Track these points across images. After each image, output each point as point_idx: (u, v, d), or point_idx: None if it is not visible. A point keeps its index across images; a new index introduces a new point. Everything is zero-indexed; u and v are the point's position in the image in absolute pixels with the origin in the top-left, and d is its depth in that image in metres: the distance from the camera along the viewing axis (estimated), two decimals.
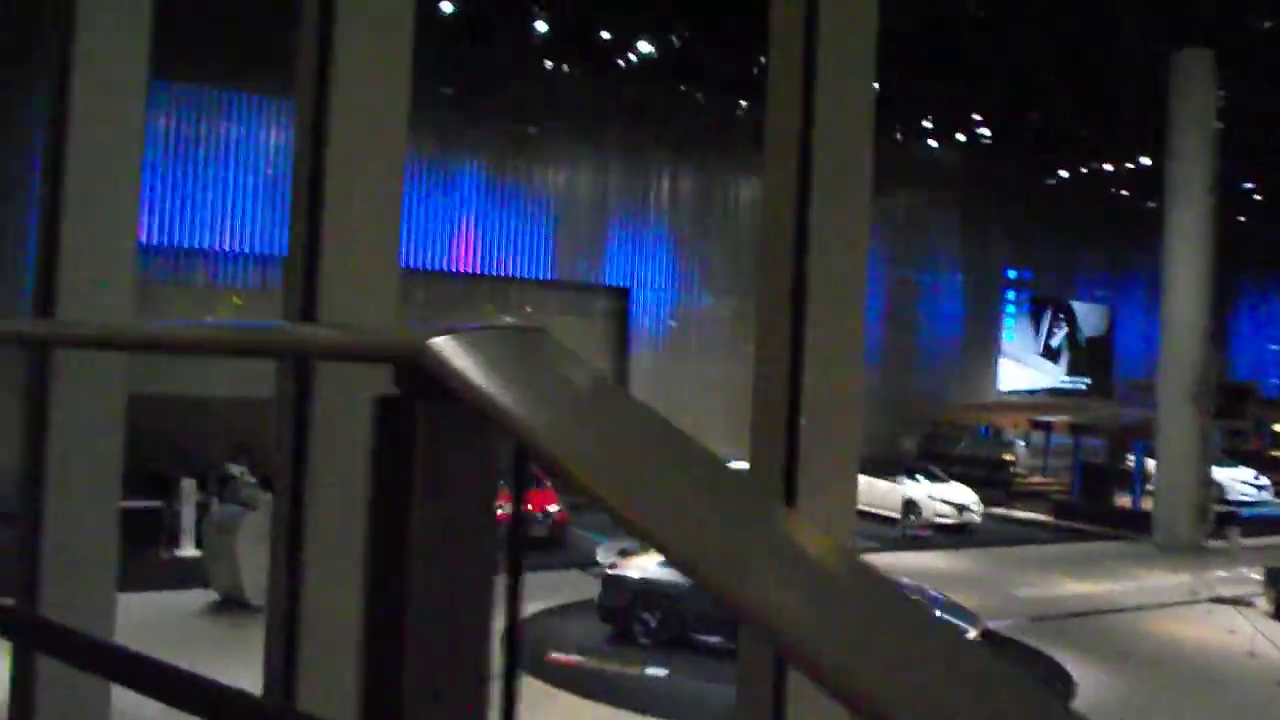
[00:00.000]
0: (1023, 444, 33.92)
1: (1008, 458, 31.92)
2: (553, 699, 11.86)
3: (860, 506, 25.98)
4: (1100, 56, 26.83)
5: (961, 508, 25.46)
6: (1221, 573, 20.42)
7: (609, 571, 14.59)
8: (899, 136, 32.43)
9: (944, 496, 25.56)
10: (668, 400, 29.20)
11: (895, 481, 25.69)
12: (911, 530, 24.24)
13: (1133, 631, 16.77)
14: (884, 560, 18.51)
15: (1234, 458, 33.97)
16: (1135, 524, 25.90)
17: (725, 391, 30.63)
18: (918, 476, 26.24)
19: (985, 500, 27.24)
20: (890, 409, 33.50)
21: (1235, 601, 18.49)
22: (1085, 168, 35.02)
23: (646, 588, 13.88)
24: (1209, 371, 25.18)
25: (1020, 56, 27.23)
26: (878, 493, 25.79)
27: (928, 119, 31.99)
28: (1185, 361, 25.16)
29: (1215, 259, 25.35)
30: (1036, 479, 32.20)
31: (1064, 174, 35.75)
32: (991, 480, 29.53)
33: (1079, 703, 12.87)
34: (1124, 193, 36.27)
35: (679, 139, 29.52)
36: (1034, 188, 35.82)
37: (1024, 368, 38.89)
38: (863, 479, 26.92)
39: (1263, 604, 17.96)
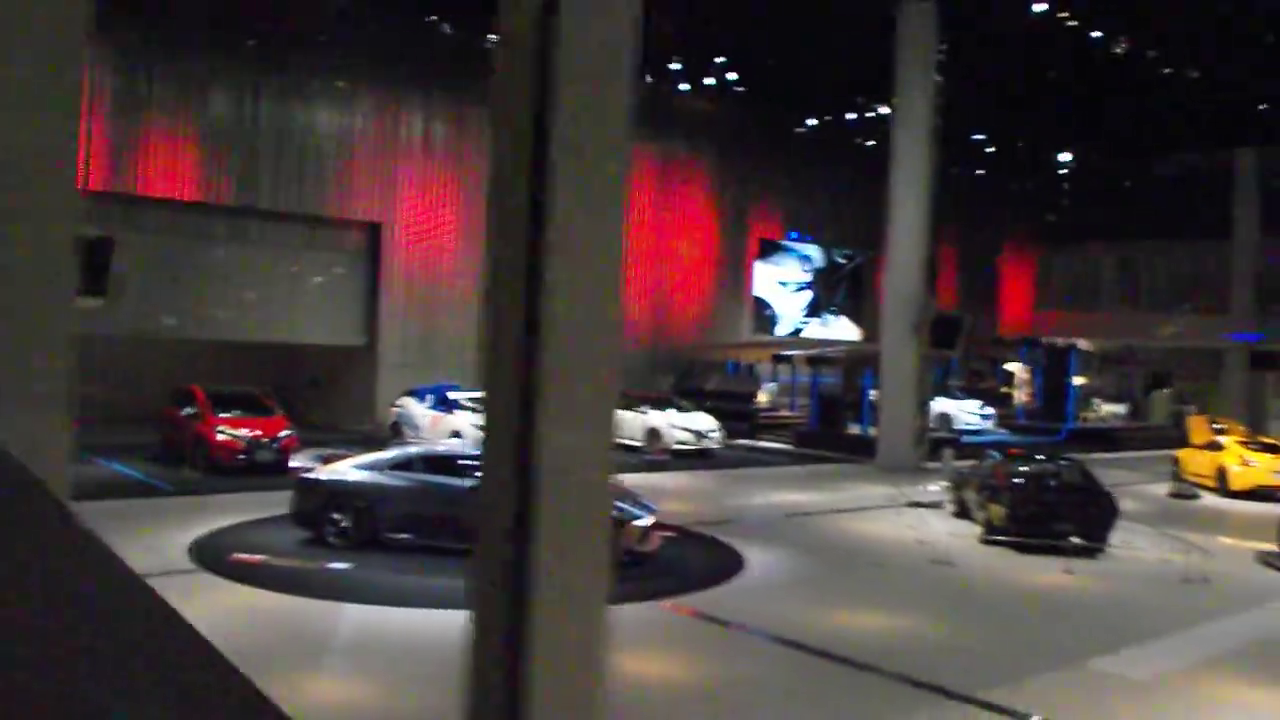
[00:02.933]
0: (772, 383, 35.47)
1: (755, 393, 33.33)
2: (226, 589, 11.97)
3: None
4: (842, 4, 28.09)
5: (700, 434, 26.60)
6: (929, 486, 21.97)
7: (302, 476, 14.70)
8: (652, 81, 33.19)
9: (684, 424, 26.62)
10: (421, 335, 29.30)
11: (640, 412, 26.58)
12: (650, 454, 25.16)
13: (824, 527, 18.03)
14: (624, 478, 19.17)
15: (969, 394, 36.55)
16: (864, 449, 27.55)
17: (473, 324, 30.94)
18: (662, 407, 27.21)
19: (732, 432, 28.52)
20: (647, 350, 34.53)
21: (927, 505, 20.07)
22: (832, 116, 36.57)
23: (338, 490, 14.08)
24: (926, 305, 26.92)
25: (764, 4, 28.28)
26: (624, 422, 26.71)
27: (681, 67, 32.77)
28: (906, 296, 26.83)
29: (932, 201, 27.03)
30: (784, 413, 33.81)
31: (813, 122, 37.24)
32: (739, 414, 30.81)
33: (745, 575, 13.88)
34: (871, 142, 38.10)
35: (432, 75, 29.38)
36: (785, 136, 37.25)
37: (793, 311, 40.56)
38: None
39: (949, 506, 19.52)
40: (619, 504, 14.01)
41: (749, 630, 11.44)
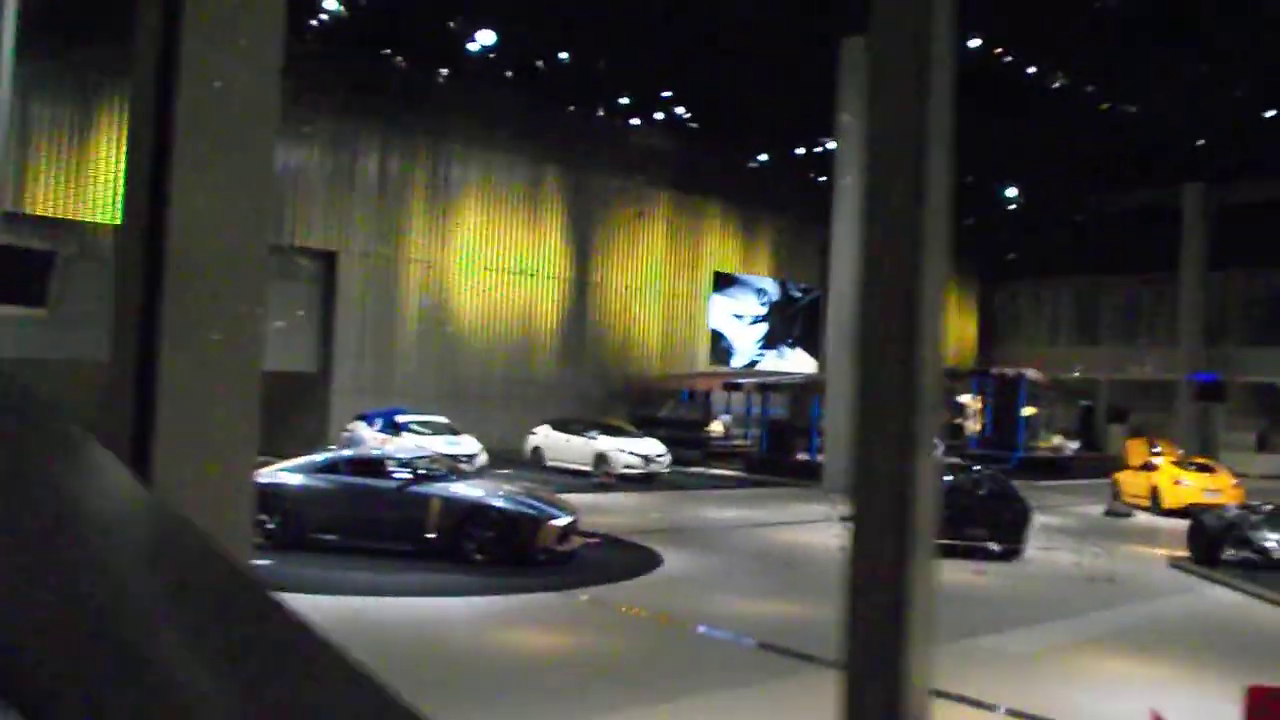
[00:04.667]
0: (727, 414, 36.04)
1: (708, 421, 33.89)
2: None
3: (559, 462, 27.09)
4: (785, 41, 28.98)
5: (648, 459, 27.05)
6: None
7: None
8: (606, 117, 34.06)
9: (632, 449, 27.07)
10: (376, 362, 29.75)
11: (589, 437, 27.06)
12: (598, 478, 25.59)
13: (749, 537, 18.51)
14: (573, 499, 19.67)
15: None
16: (811, 474, 28.02)
17: (428, 355, 31.45)
18: (613, 433, 27.70)
19: (685, 459, 29.02)
20: (603, 379, 35.09)
21: None
22: (784, 150, 37.40)
23: (265, 492, 14.45)
24: None
25: (715, 41, 29.13)
26: (574, 448, 27.29)
27: (633, 102, 33.59)
28: (848, 324, 27.42)
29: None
30: (737, 441, 34.33)
31: (765, 157, 38.06)
32: (692, 441, 31.34)
33: (659, 572, 14.36)
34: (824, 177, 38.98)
35: (386, 107, 30.08)
36: (739, 171, 38.05)
37: (748, 344, 41.21)
38: (561, 436, 28.07)
39: None
40: (537, 504, 14.52)
41: (651, 615, 11.87)
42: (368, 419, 25.37)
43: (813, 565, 15.47)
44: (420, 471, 14.86)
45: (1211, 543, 16.59)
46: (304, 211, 28.89)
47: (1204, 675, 9.93)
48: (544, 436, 28.07)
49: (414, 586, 12.57)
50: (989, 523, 16.69)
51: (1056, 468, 35.20)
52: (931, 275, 3.13)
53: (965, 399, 40.13)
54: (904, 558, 3.04)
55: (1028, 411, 37.30)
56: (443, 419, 26.05)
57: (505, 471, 23.36)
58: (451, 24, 28.01)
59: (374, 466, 14.89)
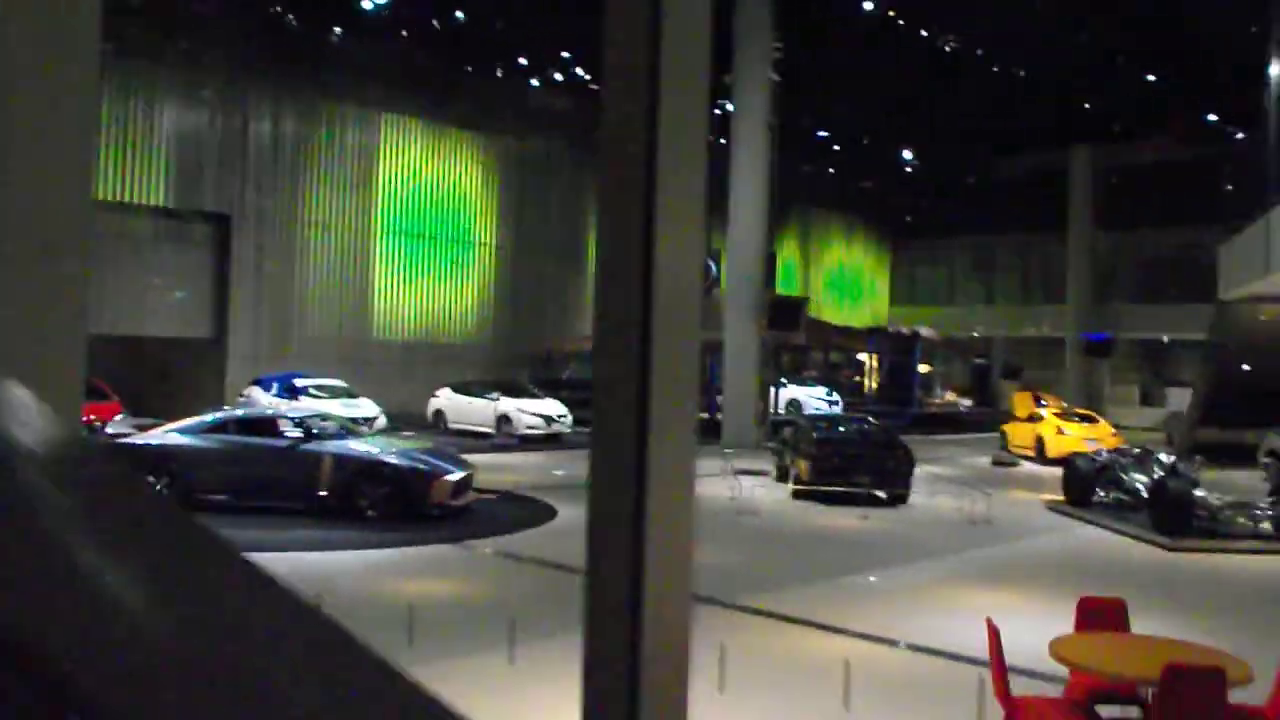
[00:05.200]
0: None
1: None
2: None
3: (461, 424, 27.07)
4: None
5: (549, 419, 27.25)
6: (763, 463, 22.94)
7: (119, 441, 14.93)
8: (507, 77, 33.94)
9: (534, 410, 27.24)
10: (274, 327, 29.41)
11: (490, 399, 27.16)
12: (499, 439, 25.74)
13: None
14: (475, 459, 19.76)
15: (820, 381, 37.96)
16: (711, 431, 28.48)
17: (329, 320, 31.19)
18: (514, 394, 27.82)
19: (588, 420, 29.19)
20: (505, 342, 35.15)
21: (753, 473, 21.00)
22: None
23: (152, 454, 14.35)
24: (765, 288, 28.05)
25: None
26: (475, 410, 27.38)
27: (529, 63, 33.51)
28: (746, 280, 27.91)
29: (772, 191, 28.21)
30: None
31: None
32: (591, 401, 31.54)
33: (554, 524, 14.58)
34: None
35: (280, 69, 29.58)
36: None
37: None
38: (463, 398, 28.05)
39: (773, 473, 20.49)
40: (431, 459, 14.64)
41: (540, 562, 12.13)
42: (264, 383, 25.14)
43: (708, 514, 15.85)
44: (313, 431, 14.86)
45: (1084, 485, 17.39)
46: (196, 175, 28.33)
47: (1059, 600, 10.50)
48: (446, 399, 28.09)
49: (303, 542, 12.63)
50: (874, 470, 17.25)
51: (950, 422, 36.24)
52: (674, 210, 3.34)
53: (864, 357, 41.08)
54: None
55: (923, 368, 38.33)
56: (341, 383, 25.93)
57: (408, 434, 23.38)
58: None
59: (265, 426, 14.86)
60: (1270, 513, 14.60)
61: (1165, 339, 44.58)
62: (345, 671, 0.67)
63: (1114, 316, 43.94)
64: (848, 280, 51.00)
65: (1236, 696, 5.42)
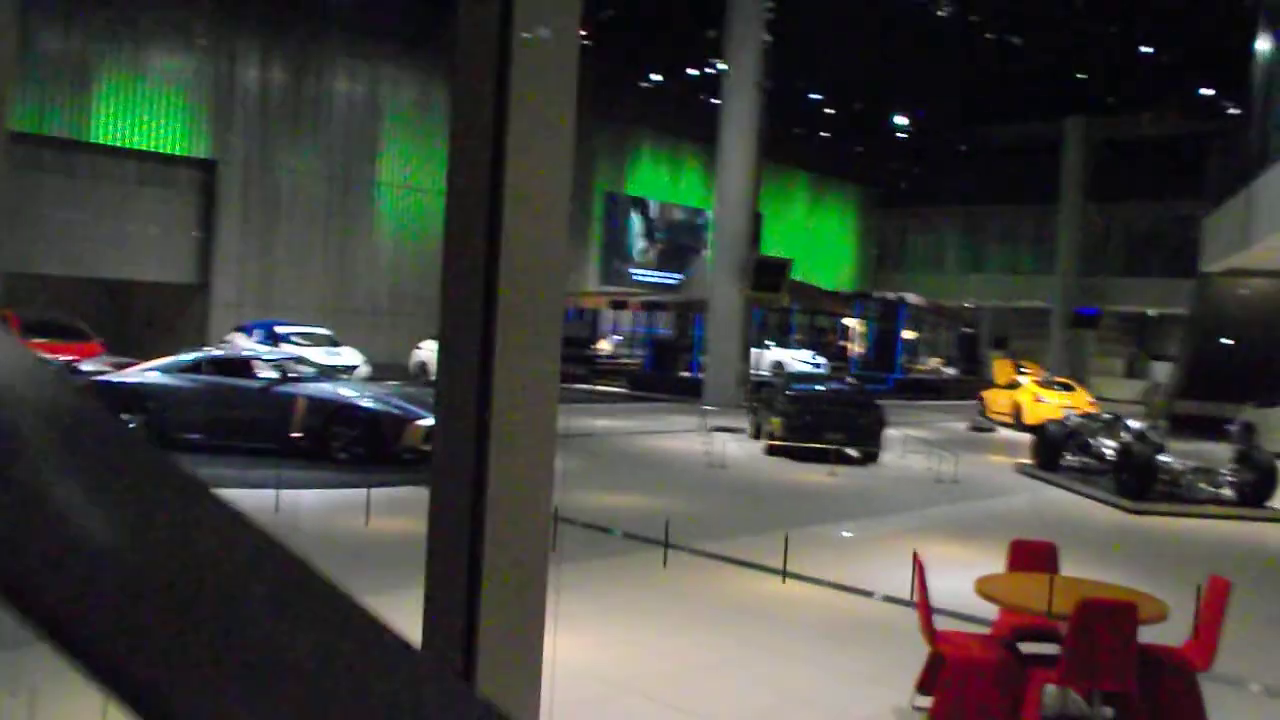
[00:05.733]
0: (616, 335, 36.52)
1: (594, 339, 34.33)
2: None
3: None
4: None
5: None
6: (742, 422, 23.11)
7: (94, 379, 15.00)
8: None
9: None
10: (259, 274, 29.44)
11: None
12: None
13: (624, 444, 19.02)
14: None
15: (806, 345, 38.18)
16: (693, 390, 28.66)
17: (314, 269, 31.21)
18: None
19: (571, 377, 29.39)
20: None
21: (728, 430, 21.18)
22: (676, 72, 37.52)
23: (127, 392, 14.45)
24: (750, 251, 28.09)
25: None
26: None
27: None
28: (731, 244, 27.95)
29: (759, 153, 28.19)
30: (623, 359, 34.86)
31: (658, 78, 38.14)
32: (577, 358, 31.72)
33: None
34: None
35: (271, 17, 29.42)
36: (630, 91, 38.08)
37: (642, 264, 41.56)
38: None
39: (749, 430, 20.66)
40: (404, 404, 14.77)
41: None
42: (246, 330, 25.20)
43: (681, 468, 16.05)
44: (289, 373, 14.95)
45: (1053, 449, 17.58)
46: (183, 120, 28.24)
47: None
48: (429, 351, 28.14)
49: (273, 481, 12.76)
50: (844, 427, 17.43)
51: (933, 389, 36.44)
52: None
53: (850, 322, 41.22)
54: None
55: (908, 335, 38.48)
56: (324, 331, 26.00)
57: (391, 383, 23.48)
58: None
59: (239, 366, 14.95)
60: (1232, 479, 14.80)
61: (1152, 313, 44.76)
62: (311, 605, 0.69)
63: (1102, 289, 44.08)
64: (829, 244, 51.03)
65: (1166, 639, 5.60)
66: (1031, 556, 6.52)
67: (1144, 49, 35.27)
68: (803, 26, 31.16)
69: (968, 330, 47.27)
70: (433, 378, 22.12)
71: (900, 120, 44.12)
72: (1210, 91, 38.30)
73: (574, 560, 9.65)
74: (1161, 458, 15.36)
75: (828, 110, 41.73)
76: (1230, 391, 24.61)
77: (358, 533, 10.62)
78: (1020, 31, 34.71)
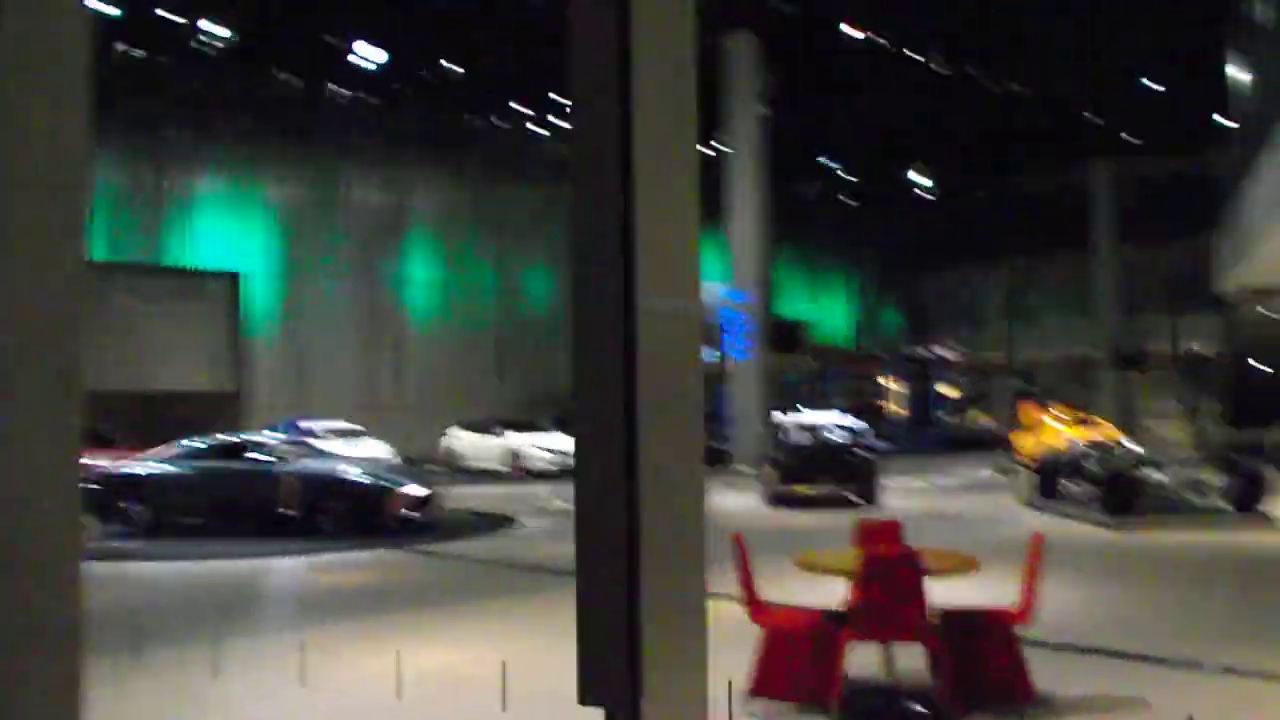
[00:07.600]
0: None
1: None
2: None
3: (474, 463, 27.24)
4: None
5: (563, 454, 27.64)
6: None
7: (98, 471, 15.65)
8: (506, 127, 35.01)
9: (546, 445, 27.69)
10: (293, 376, 30.43)
11: (499, 435, 27.76)
12: (515, 475, 26.43)
13: None
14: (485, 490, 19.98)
15: (844, 408, 37.99)
16: (720, 458, 28.74)
17: (345, 369, 32.18)
18: (522, 429, 28.35)
19: None
20: (524, 383, 35.81)
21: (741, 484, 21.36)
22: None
23: (131, 481, 15.11)
24: (766, 314, 28.46)
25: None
26: (487, 447, 27.90)
27: (534, 113, 34.51)
28: (749, 309, 28.33)
29: (768, 222, 28.73)
30: None
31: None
32: None
33: (518, 532, 15.07)
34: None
35: (286, 130, 30.90)
36: None
37: None
38: (474, 436, 28.28)
39: (761, 487, 20.79)
40: (391, 475, 15.29)
41: (472, 559, 12.60)
42: (273, 428, 26.00)
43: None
44: (279, 455, 15.48)
45: (1050, 478, 17.49)
46: (205, 233, 29.66)
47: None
48: (456, 438, 28.72)
49: (256, 552, 13.22)
50: (836, 472, 17.74)
51: (977, 443, 36.05)
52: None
53: (882, 381, 41.07)
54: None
55: (948, 391, 38.21)
56: (349, 425, 26.61)
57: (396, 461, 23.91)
58: (339, 43, 28.91)
59: (232, 450, 15.55)
60: (1220, 488, 14.65)
61: (1197, 348, 43.88)
62: None
63: (1146, 329, 43.35)
64: (856, 307, 51.07)
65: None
66: (877, 532, 6.71)
67: (1159, 87, 35.29)
68: (818, 89, 31.83)
69: (1015, 383, 46.69)
70: (464, 465, 22.44)
71: (918, 179, 44.43)
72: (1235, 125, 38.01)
73: (526, 596, 9.89)
74: (1156, 476, 15.26)
75: (848, 177, 42.21)
76: (1270, 415, 24.19)
77: (320, 585, 11.01)
78: (1037, 79, 34.86)
